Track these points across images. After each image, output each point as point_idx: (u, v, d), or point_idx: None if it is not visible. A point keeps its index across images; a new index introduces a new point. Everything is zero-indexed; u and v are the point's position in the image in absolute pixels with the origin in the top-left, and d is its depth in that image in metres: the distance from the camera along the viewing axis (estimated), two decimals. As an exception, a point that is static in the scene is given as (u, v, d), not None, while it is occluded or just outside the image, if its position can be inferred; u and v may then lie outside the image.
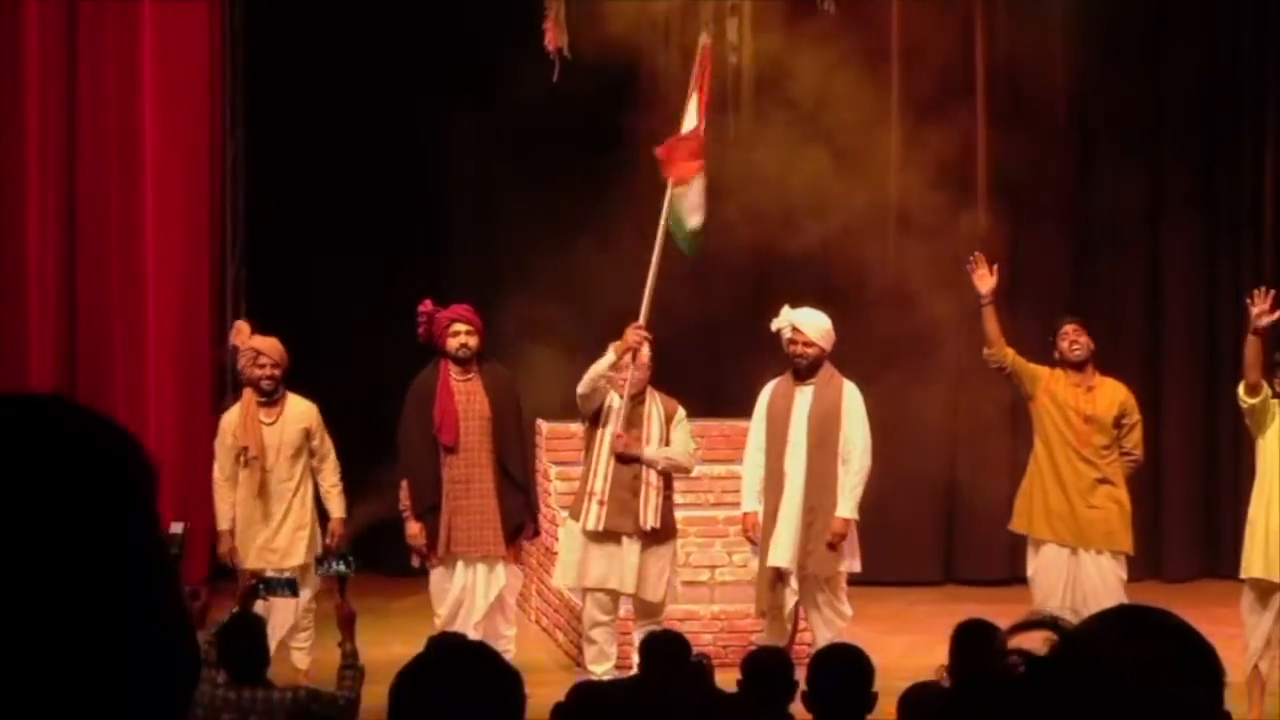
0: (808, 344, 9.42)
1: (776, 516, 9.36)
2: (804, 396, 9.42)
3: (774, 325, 9.55)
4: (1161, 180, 13.25)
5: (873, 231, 12.55)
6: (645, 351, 9.39)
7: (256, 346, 9.46)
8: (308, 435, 9.50)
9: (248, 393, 9.52)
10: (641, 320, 9.32)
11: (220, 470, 9.50)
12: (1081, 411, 9.51)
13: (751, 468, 9.58)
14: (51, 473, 1.24)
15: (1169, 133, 13.23)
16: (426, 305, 9.47)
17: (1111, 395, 9.60)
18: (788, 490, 9.36)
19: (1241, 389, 9.20)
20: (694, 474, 10.55)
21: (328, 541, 9.44)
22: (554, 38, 11.20)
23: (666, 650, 6.30)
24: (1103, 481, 9.54)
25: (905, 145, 12.60)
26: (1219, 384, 12.62)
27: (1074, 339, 9.56)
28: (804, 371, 9.45)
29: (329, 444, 9.58)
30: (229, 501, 9.45)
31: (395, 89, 12.71)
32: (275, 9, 12.21)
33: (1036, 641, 1.61)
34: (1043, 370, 9.66)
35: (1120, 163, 13.19)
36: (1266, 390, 9.13)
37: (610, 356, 9.25)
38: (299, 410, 9.53)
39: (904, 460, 12.68)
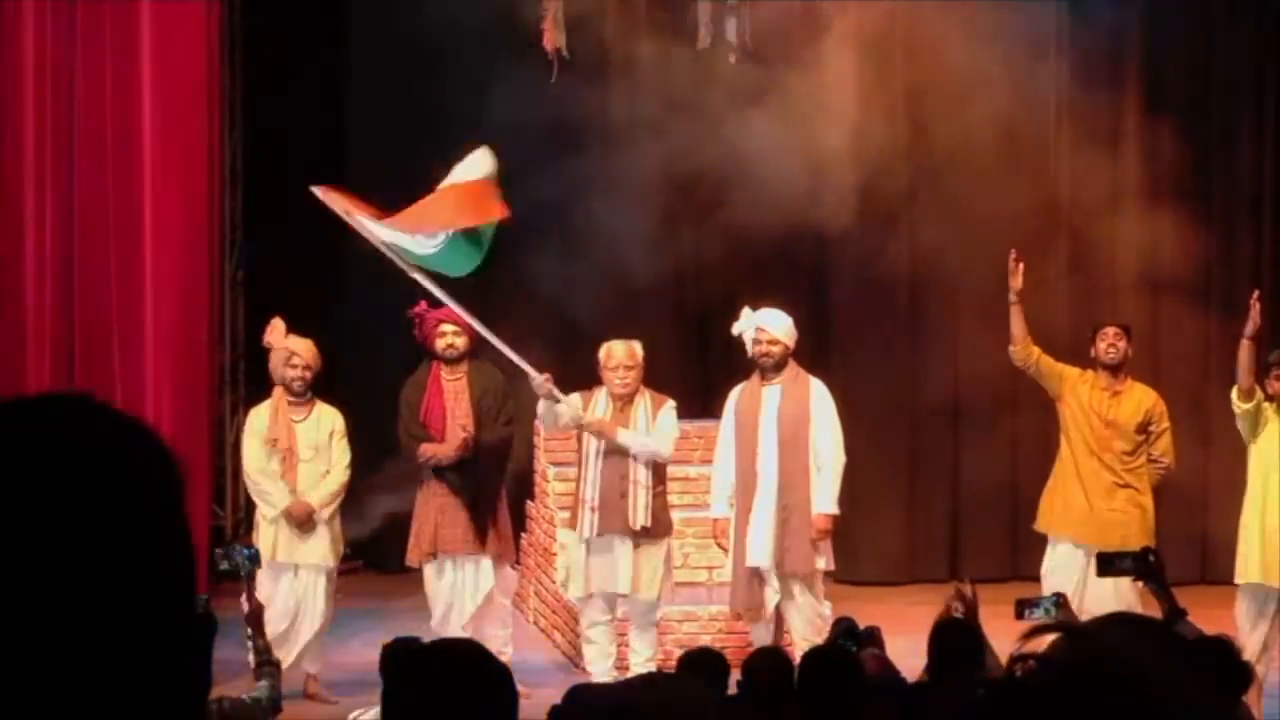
0: (773, 342, 9.44)
1: (750, 517, 9.38)
2: (771, 395, 9.43)
3: (735, 329, 9.54)
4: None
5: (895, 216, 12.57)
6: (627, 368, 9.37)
7: (291, 347, 9.51)
8: (331, 439, 9.53)
9: (278, 391, 9.55)
10: (530, 370, 9.26)
11: (254, 460, 9.49)
12: (1104, 416, 9.48)
13: (721, 472, 9.59)
14: (82, 473, 1.25)
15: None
16: (421, 307, 9.50)
17: (1138, 402, 9.55)
18: (760, 489, 9.38)
19: (1234, 394, 9.19)
20: (692, 475, 10.55)
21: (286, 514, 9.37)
22: (552, 38, 11.21)
23: (706, 668, 6.24)
24: (1124, 486, 9.48)
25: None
26: (1211, 386, 12.61)
27: (1112, 342, 9.50)
28: (770, 371, 9.47)
29: (345, 453, 9.60)
30: (277, 488, 9.38)
31: (395, 90, 12.71)
32: (275, 9, 12.22)
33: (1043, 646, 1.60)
34: (1070, 371, 9.63)
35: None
36: (1259, 395, 9.12)
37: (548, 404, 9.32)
38: (328, 414, 9.59)
39: (910, 457, 12.70)
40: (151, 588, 1.25)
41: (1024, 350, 9.62)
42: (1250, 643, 8.99)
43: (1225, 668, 4.67)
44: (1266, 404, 9.11)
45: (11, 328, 10.58)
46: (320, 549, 9.45)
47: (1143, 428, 9.54)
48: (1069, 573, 9.47)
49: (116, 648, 1.22)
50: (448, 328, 9.45)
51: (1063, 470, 9.65)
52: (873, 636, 7.04)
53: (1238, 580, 9.27)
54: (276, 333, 9.58)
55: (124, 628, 1.23)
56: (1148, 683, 1.35)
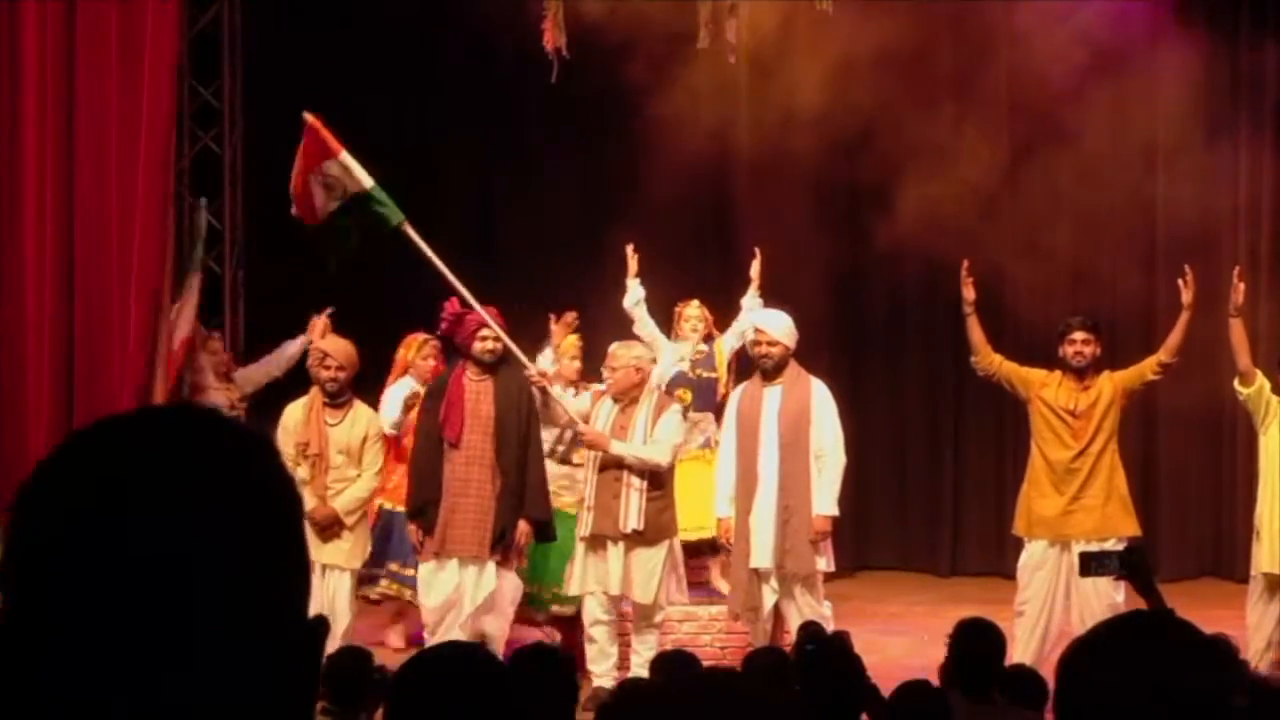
0: (772, 343, 9.47)
1: (750, 517, 9.39)
2: (772, 396, 9.46)
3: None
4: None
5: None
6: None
7: (324, 348, 9.53)
8: (365, 443, 9.52)
9: (315, 390, 9.55)
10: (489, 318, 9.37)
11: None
12: (1074, 409, 9.46)
13: (724, 473, 9.62)
14: (214, 483, 1.27)
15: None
16: (454, 305, 9.46)
17: (1103, 386, 9.50)
18: (761, 490, 9.40)
19: (1236, 381, 9.13)
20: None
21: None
22: (552, 38, 11.20)
23: (677, 668, 6.23)
24: (1098, 476, 9.47)
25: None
26: (1219, 380, 12.59)
27: (1079, 348, 9.45)
28: (770, 372, 9.49)
29: (377, 459, 9.59)
30: (303, 492, 9.33)
31: (395, 90, 12.71)
32: (275, 10, 12.23)
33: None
34: (1035, 373, 9.61)
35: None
36: (1261, 379, 9.02)
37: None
38: (364, 416, 9.57)
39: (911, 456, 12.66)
40: (277, 594, 1.29)
41: (986, 359, 9.62)
42: (1256, 638, 8.98)
43: (1225, 669, 4.67)
44: (1274, 396, 9.01)
45: (12, 327, 10.58)
46: (343, 549, 9.40)
47: (1127, 395, 9.46)
48: (1045, 570, 9.46)
49: (246, 652, 1.26)
50: (489, 331, 9.44)
51: (1034, 473, 9.61)
52: (841, 642, 6.93)
53: (1253, 571, 9.20)
54: (314, 330, 9.65)
55: (253, 633, 1.26)
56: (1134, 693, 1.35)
